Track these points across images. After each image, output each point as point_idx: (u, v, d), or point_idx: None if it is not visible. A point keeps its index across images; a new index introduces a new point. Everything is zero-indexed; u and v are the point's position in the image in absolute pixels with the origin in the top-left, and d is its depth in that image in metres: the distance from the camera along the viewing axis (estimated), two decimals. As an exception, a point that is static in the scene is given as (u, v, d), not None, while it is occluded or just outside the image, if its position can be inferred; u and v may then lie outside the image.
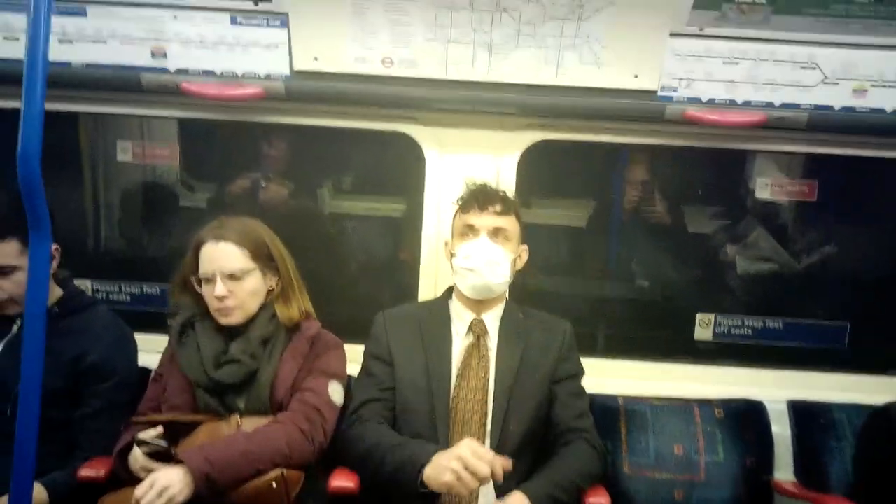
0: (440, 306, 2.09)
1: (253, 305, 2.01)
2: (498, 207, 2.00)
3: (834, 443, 2.30)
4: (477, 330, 2.03)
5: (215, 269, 1.96)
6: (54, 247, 2.05)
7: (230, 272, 1.96)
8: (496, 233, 2.00)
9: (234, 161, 2.86)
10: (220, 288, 1.94)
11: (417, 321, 2.07)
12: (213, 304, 1.98)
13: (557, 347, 2.05)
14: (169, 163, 2.78)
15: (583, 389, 2.07)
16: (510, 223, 2.03)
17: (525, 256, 2.10)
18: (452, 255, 2.06)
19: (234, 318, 1.99)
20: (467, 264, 1.99)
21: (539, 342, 2.04)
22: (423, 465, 1.71)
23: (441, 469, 1.67)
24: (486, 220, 2.00)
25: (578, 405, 2.01)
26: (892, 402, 2.27)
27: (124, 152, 2.70)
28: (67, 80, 2.25)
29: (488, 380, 1.97)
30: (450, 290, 2.14)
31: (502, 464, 1.65)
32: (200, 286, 1.99)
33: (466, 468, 1.64)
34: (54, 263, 2.08)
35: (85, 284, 2.63)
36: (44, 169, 1.40)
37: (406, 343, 2.03)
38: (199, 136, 2.82)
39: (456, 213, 2.09)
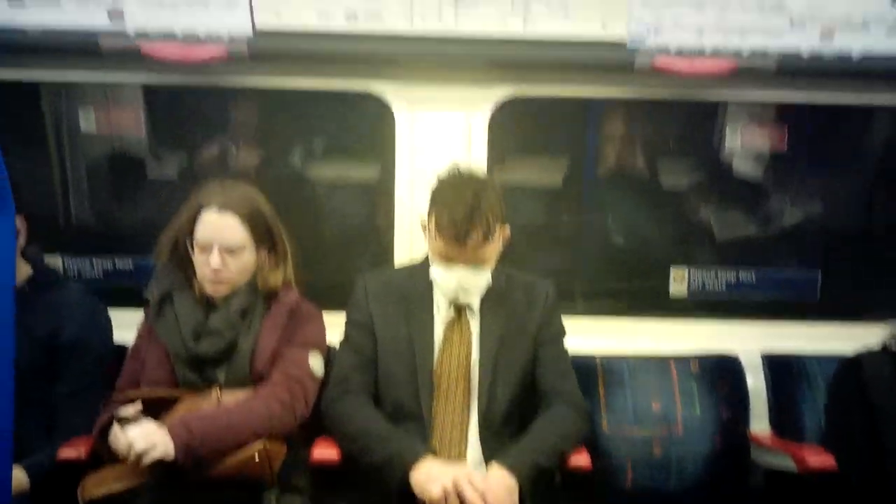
0: (421, 276, 2.03)
1: (242, 279, 2.00)
2: (478, 237, 1.83)
3: (808, 392, 2.35)
4: (458, 306, 1.99)
5: (214, 240, 1.93)
6: (20, 221, 2.00)
7: (230, 246, 1.94)
8: (475, 262, 1.90)
9: (201, 129, 2.80)
10: (216, 260, 1.93)
11: (399, 289, 2.04)
12: (204, 273, 1.96)
13: (540, 309, 2.03)
14: (134, 132, 2.71)
15: (565, 351, 2.06)
16: (491, 247, 1.90)
17: (507, 235, 1.99)
18: (429, 254, 1.99)
19: (223, 290, 1.98)
20: (443, 284, 1.93)
21: (522, 306, 2.03)
22: (411, 465, 1.70)
23: (432, 480, 1.67)
24: (464, 253, 1.87)
25: (560, 367, 2.01)
26: (862, 352, 2.31)
27: (87, 121, 2.62)
28: (21, 47, 2.19)
29: (471, 352, 1.95)
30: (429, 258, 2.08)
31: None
32: (193, 250, 1.97)
33: (458, 491, 1.64)
34: (21, 239, 2.04)
35: (55, 260, 2.59)
36: (7, 142, 1.36)
37: (388, 311, 2.00)
38: (165, 104, 2.74)
39: (431, 213, 1.92)
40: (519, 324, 2.00)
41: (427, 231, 1.98)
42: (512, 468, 1.70)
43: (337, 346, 2.09)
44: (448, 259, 1.90)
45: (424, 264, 2.04)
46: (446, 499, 1.64)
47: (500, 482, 1.67)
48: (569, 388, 1.98)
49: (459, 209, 1.82)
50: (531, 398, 1.99)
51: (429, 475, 1.67)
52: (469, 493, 1.62)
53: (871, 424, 2.15)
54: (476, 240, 1.84)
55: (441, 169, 1.98)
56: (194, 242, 1.97)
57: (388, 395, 1.96)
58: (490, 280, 1.96)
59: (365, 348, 1.99)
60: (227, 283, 1.97)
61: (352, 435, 1.84)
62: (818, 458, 2.05)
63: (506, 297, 2.02)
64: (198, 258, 1.97)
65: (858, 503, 2.09)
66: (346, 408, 1.90)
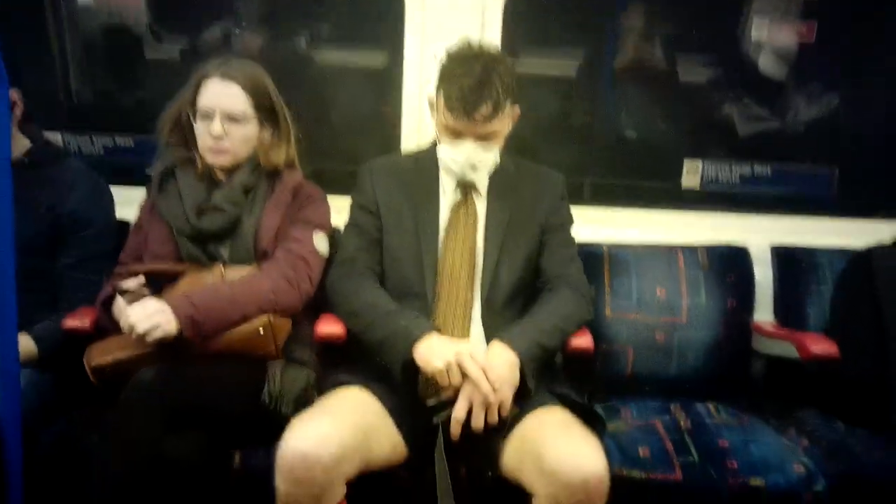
0: (428, 160, 2.01)
1: (243, 153, 1.98)
2: (487, 110, 1.79)
3: (815, 286, 2.34)
4: (465, 188, 1.97)
5: (216, 107, 1.91)
6: (15, 94, 1.97)
7: (231, 113, 1.92)
8: (484, 136, 1.85)
9: (203, 8, 2.71)
10: (217, 126, 1.91)
11: (404, 173, 2.02)
12: (205, 142, 1.94)
13: (549, 199, 2.01)
14: (135, 11, 2.62)
15: (571, 238, 2.05)
16: (500, 122, 1.85)
17: (517, 115, 1.94)
18: (437, 132, 1.94)
19: (223, 160, 1.95)
20: (450, 160, 1.89)
21: (530, 194, 2.00)
22: (415, 340, 1.71)
23: (435, 354, 1.68)
24: (472, 127, 1.82)
25: (565, 252, 2.00)
26: (873, 246, 2.29)
27: (85, -2, 2.55)
28: None
29: (476, 236, 1.94)
30: (437, 142, 2.02)
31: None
32: (195, 120, 1.94)
33: (460, 365, 1.65)
34: (17, 111, 2.01)
35: (55, 137, 2.55)
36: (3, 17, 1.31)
37: (393, 195, 1.99)
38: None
39: (439, 88, 1.87)
40: (526, 209, 1.98)
41: (434, 108, 1.93)
42: (513, 344, 1.71)
43: (342, 230, 2.07)
44: (456, 134, 1.86)
45: (431, 149, 2.01)
46: (448, 372, 1.65)
47: (501, 357, 1.69)
48: (573, 272, 1.98)
49: (468, 80, 1.78)
50: (535, 283, 1.99)
51: (432, 350, 1.68)
52: (471, 367, 1.63)
53: (878, 318, 2.16)
54: (485, 112, 1.80)
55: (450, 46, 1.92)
56: (196, 112, 1.94)
57: (393, 276, 1.95)
58: (498, 159, 1.94)
59: (371, 229, 1.98)
60: (228, 153, 1.95)
61: (357, 311, 1.85)
62: (820, 345, 2.06)
63: (514, 182, 2.00)
64: (199, 127, 1.94)
65: (858, 394, 2.12)
66: (353, 285, 1.90)
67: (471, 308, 1.90)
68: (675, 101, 2.82)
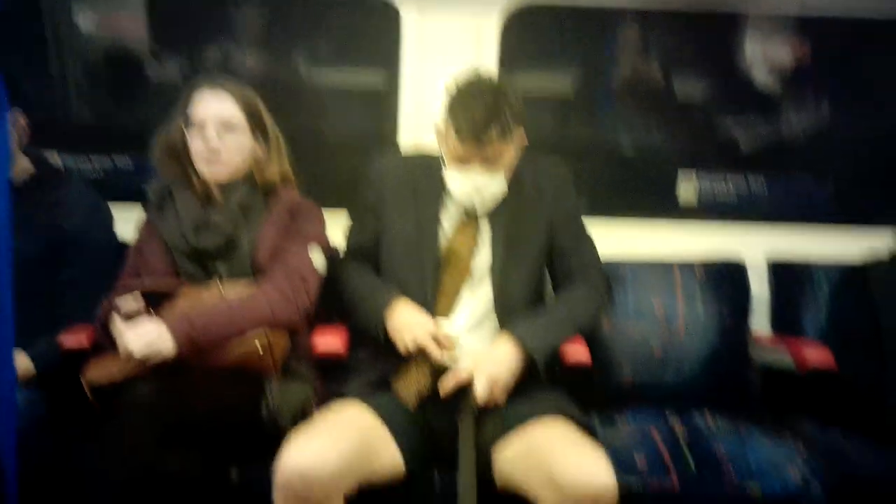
0: (435, 171, 1.97)
1: (239, 164, 1.98)
2: (495, 134, 1.77)
3: (811, 298, 2.35)
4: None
5: (208, 115, 1.93)
6: (20, 117, 2.00)
7: (224, 119, 1.94)
8: (491, 160, 1.83)
9: (203, 29, 2.75)
10: (211, 135, 1.92)
11: (412, 178, 2.01)
12: (200, 153, 1.95)
13: (553, 185, 2.00)
14: (135, 33, 2.66)
15: (582, 228, 2.03)
16: (508, 148, 1.84)
17: (523, 143, 1.92)
18: (442, 157, 1.93)
19: (219, 171, 1.96)
20: (456, 185, 1.88)
21: (532, 192, 1.98)
22: (384, 316, 1.81)
23: (399, 334, 1.80)
24: (480, 151, 1.81)
25: (578, 248, 2.00)
26: (869, 260, 2.30)
27: (86, 21, 2.58)
28: None
29: (476, 243, 1.93)
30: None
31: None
32: (189, 134, 1.96)
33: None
34: (21, 135, 2.04)
35: (53, 156, 2.56)
36: (7, 42, 1.33)
37: (399, 194, 1.99)
38: (166, 5, 2.70)
39: (448, 115, 1.85)
40: (531, 206, 1.97)
41: (442, 136, 1.92)
42: (520, 335, 1.78)
43: (336, 244, 2.09)
44: (464, 161, 1.84)
45: (439, 161, 1.98)
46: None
47: (504, 353, 1.76)
48: (586, 265, 1.99)
49: (479, 108, 1.77)
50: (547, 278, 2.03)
51: (399, 326, 1.81)
52: (432, 350, 1.76)
53: (874, 331, 2.16)
54: (494, 139, 1.78)
55: (451, 75, 1.92)
56: (190, 125, 1.96)
57: (390, 276, 1.97)
58: (504, 189, 1.92)
59: (370, 230, 2.02)
60: (224, 164, 1.96)
61: (345, 300, 1.96)
62: (817, 356, 2.07)
63: (516, 193, 1.96)
64: (194, 140, 1.95)
65: (855, 404, 2.11)
66: (343, 273, 2.00)
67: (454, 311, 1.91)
68: (672, 118, 2.84)
